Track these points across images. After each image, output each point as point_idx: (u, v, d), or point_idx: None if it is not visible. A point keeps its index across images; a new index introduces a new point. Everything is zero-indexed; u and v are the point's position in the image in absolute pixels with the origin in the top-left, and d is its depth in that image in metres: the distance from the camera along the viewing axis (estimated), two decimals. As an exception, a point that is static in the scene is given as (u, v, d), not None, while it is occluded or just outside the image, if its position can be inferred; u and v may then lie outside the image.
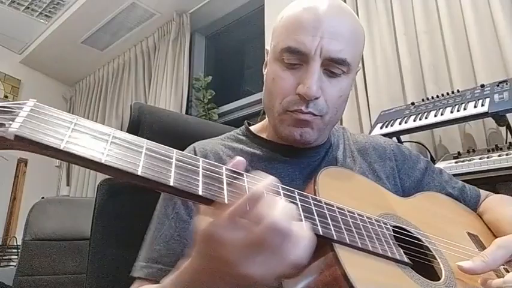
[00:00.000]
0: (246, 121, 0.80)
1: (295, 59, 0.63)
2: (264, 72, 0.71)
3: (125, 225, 0.85)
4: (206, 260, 0.41)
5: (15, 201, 3.82)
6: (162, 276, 0.52)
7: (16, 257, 2.88)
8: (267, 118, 0.74)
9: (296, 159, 0.70)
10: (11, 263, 2.96)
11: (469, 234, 0.69)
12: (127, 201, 0.88)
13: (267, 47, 0.72)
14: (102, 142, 0.35)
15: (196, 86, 3.15)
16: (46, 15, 3.35)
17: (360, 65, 0.72)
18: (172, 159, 0.38)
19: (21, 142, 0.32)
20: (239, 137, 0.76)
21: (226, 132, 0.80)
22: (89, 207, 0.86)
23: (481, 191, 0.84)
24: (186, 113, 3.03)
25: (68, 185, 4.09)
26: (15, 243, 3.37)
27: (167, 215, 0.64)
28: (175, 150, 0.40)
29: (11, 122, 0.32)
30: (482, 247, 0.66)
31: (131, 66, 3.65)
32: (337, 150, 0.75)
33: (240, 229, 0.38)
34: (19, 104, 0.34)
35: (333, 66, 0.63)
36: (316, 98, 0.62)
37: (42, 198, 2.38)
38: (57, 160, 4.49)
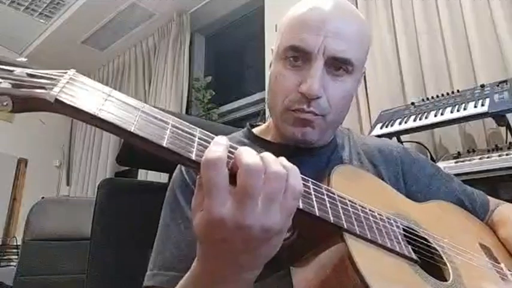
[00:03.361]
0: (248, 123, 0.79)
1: (298, 57, 0.62)
2: (269, 72, 0.70)
3: (125, 225, 0.85)
4: (208, 243, 0.41)
5: (15, 201, 3.82)
6: (175, 283, 0.50)
7: (16, 257, 2.88)
8: (271, 119, 0.73)
9: (301, 160, 0.69)
10: (11, 263, 2.96)
11: (480, 245, 0.68)
12: (127, 201, 0.88)
13: (272, 46, 0.71)
14: (132, 114, 0.38)
15: (196, 86, 3.15)
16: (46, 15, 3.35)
17: (366, 66, 0.71)
18: (195, 137, 0.41)
19: (60, 105, 0.36)
20: (241, 139, 0.75)
21: (226, 132, 0.79)
22: (89, 207, 0.86)
23: (489, 197, 0.83)
24: (186, 113, 3.03)
25: (68, 185, 4.09)
26: (15, 243, 3.37)
27: (175, 219, 0.63)
28: (198, 129, 0.42)
29: (52, 87, 0.36)
30: (494, 260, 0.65)
31: (131, 66, 3.65)
32: (342, 151, 0.74)
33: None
34: (61, 72, 0.39)
35: (336, 66, 0.62)
36: (318, 97, 0.61)
37: (42, 198, 2.38)
38: (57, 160, 4.48)
